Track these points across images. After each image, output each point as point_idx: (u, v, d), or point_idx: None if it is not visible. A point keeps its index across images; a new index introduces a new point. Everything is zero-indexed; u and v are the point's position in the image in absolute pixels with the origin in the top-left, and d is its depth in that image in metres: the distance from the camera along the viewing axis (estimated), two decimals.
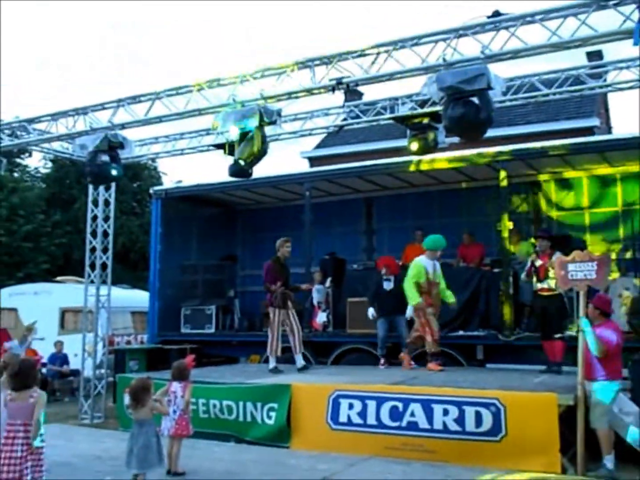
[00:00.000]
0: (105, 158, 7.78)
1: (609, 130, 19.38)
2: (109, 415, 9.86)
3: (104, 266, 10.37)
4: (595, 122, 16.14)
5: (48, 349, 13.11)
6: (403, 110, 8.46)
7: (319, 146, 20.82)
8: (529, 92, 8.55)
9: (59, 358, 13.18)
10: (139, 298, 14.82)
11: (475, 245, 10.96)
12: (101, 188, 10.13)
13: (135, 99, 7.35)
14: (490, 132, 6.83)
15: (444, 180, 11.61)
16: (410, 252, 11.13)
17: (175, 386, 6.20)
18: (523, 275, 8.75)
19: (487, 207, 10.79)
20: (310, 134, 8.69)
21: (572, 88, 8.51)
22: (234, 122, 6.60)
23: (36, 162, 31.99)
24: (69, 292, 14.70)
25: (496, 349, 9.45)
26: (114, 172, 7.84)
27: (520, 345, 9.12)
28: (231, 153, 6.98)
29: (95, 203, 10.25)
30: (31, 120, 8.26)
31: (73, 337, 12.38)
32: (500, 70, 6.63)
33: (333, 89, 6.29)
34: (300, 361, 9.17)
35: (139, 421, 5.52)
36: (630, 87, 8.08)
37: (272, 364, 9.14)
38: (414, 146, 8.20)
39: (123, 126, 7.73)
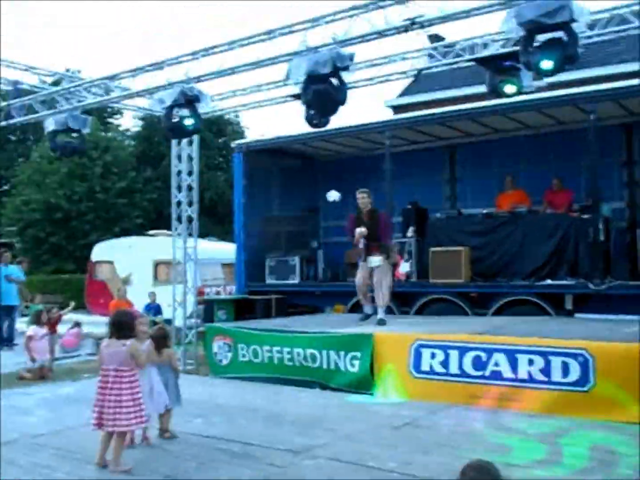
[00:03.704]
0: (182, 112, 7.90)
1: None
2: (200, 362, 10.24)
3: (190, 219, 10.61)
4: None
5: (143, 300, 13.70)
6: (485, 52, 8.03)
7: (402, 94, 20.38)
8: (618, 26, 7.86)
9: (153, 308, 13.74)
10: (228, 250, 15.18)
11: (564, 191, 10.50)
12: (184, 143, 10.29)
13: (208, 51, 7.33)
14: (581, 73, 6.44)
15: (529, 125, 11.13)
16: (503, 201, 10.83)
17: None
18: None
19: (576, 152, 10.27)
20: (387, 80, 8.45)
21: None
22: (307, 70, 6.50)
23: (127, 121, 33.12)
24: (161, 245, 15.19)
25: (586, 299, 9.12)
26: (190, 126, 7.91)
27: (613, 295, 8.76)
28: (307, 102, 6.88)
29: (179, 158, 10.45)
30: (112, 77, 8.36)
31: (166, 288, 12.84)
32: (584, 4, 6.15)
33: (406, 30, 6.06)
34: (380, 315, 9.01)
35: (159, 365, 5.80)
36: None
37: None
38: (509, 89, 7.72)
39: (198, 79, 7.74)
